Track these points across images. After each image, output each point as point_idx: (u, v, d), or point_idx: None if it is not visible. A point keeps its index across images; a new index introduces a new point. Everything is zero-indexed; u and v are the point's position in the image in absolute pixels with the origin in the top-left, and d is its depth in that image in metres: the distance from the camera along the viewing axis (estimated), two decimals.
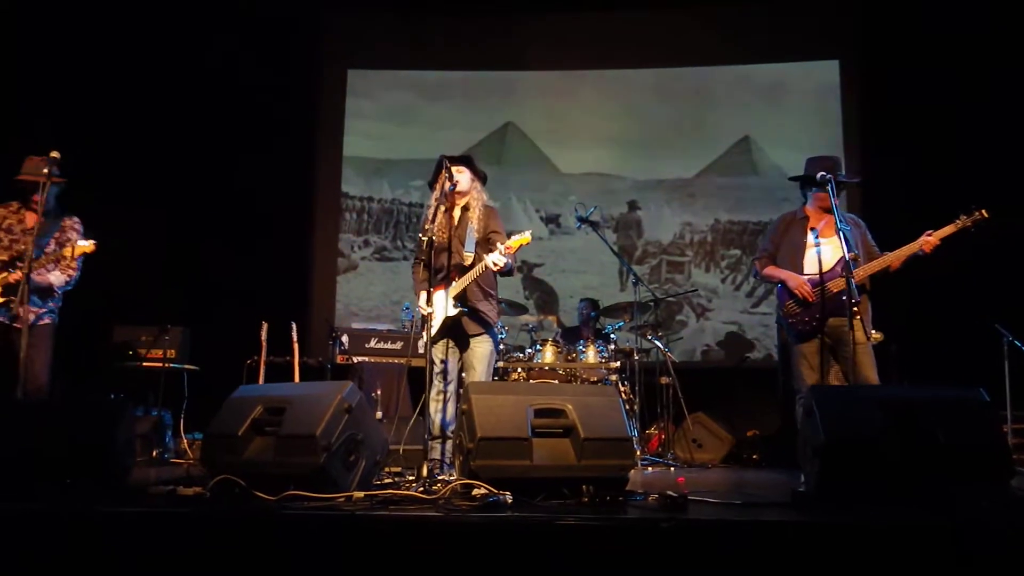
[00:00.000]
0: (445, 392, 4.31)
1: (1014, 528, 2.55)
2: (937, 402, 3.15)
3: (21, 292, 4.17)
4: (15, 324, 4.41)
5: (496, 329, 4.55)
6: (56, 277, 4.61)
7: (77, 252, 4.49)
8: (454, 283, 4.30)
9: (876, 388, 4.10)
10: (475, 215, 4.41)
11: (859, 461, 3.01)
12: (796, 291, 4.43)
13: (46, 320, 4.62)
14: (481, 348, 4.37)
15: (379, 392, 6.02)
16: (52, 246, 4.60)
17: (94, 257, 4.69)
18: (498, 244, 4.16)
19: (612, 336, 6.28)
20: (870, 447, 3.03)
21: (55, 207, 4.66)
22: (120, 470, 3.36)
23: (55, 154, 4.13)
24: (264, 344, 5.67)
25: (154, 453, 5.65)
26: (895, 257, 4.39)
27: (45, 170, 4.29)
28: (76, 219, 4.76)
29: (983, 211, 4.32)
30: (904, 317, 6.04)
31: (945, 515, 2.67)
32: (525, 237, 4.21)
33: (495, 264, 4.13)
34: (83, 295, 4.82)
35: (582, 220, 6.11)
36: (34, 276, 4.34)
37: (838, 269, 4.32)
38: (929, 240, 4.33)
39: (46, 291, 4.58)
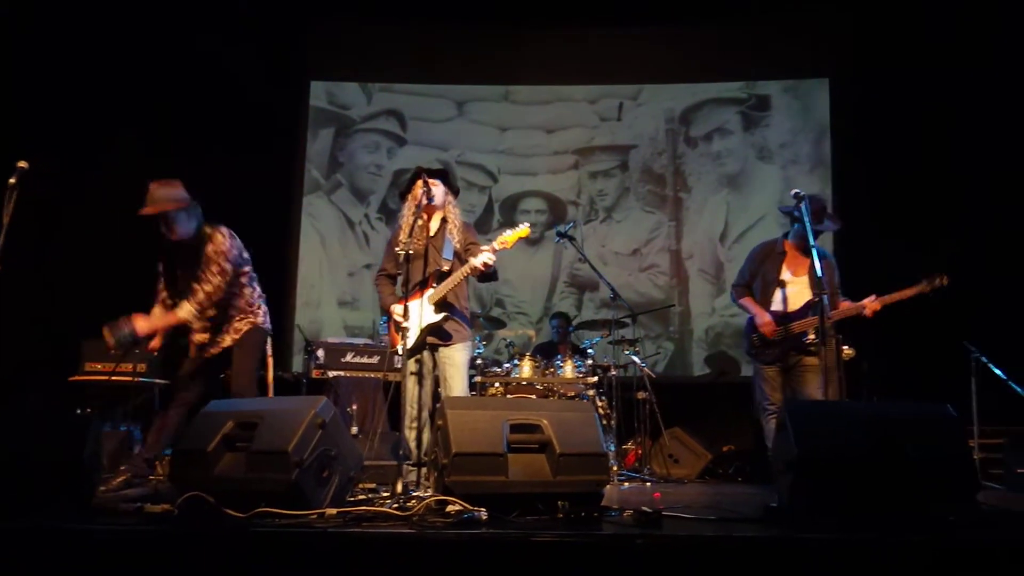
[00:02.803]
0: (419, 419, 4.27)
1: (980, 542, 2.58)
2: (906, 417, 3.19)
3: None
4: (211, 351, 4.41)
5: (472, 341, 4.54)
6: (184, 311, 4.32)
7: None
8: (432, 289, 4.29)
9: (847, 404, 4.19)
10: (455, 226, 4.43)
11: (830, 475, 3.03)
12: (761, 328, 4.73)
13: (241, 327, 4.46)
14: (460, 355, 4.35)
15: (355, 407, 5.97)
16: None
17: (63, 269, 4.62)
18: (486, 247, 4.17)
19: (590, 351, 6.29)
20: (841, 462, 3.05)
21: (199, 227, 4.38)
22: (86, 487, 3.30)
23: (23, 164, 4.03)
24: None
25: (122, 469, 5.55)
26: (842, 312, 4.65)
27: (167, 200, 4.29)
28: (218, 232, 4.40)
29: (944, 278, 4.61)
30: (875, 334, 6.10)
31: (913, 529, 2.69)
32: (523, 230, 4.20)
33: (486, 263, 4.12)
34: (50, 308, 4.74)
35: (561, 235, 6.13)
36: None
37: (804, 311, 4.63)
38: (872, 306, 4.61)
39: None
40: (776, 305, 4.76)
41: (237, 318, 4.46)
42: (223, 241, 4.38)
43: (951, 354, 5.79)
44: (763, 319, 4.72)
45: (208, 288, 4.31)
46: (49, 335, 6.22)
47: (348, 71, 8.38)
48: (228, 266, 4.36)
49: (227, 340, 4.43)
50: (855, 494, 3.01)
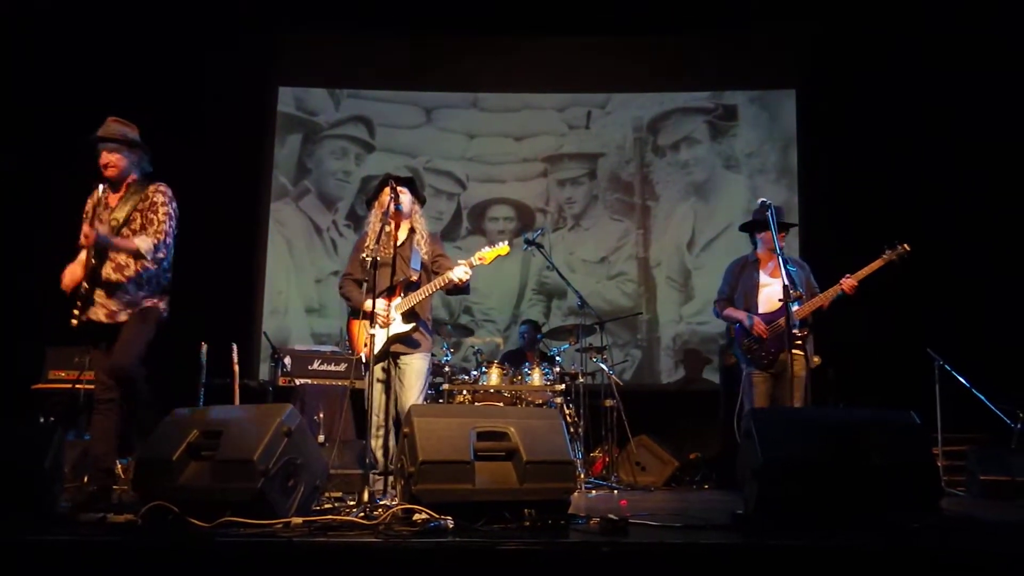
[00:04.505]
0: (385, 426, 4.25)
1: (943, 548, 2.62)
2: (871, 424, 3.23)
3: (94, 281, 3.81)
4: (108, 320, 3.89)
5: (430, 351, 4.52)
6: (143, 240, 3.87)
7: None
8: (400, 299, 4.28)
9: (812, 410, 4.23)
10: (422, 237, 4.43)
11: (796, 482, 3.06)
12: (752, 330, 4.86)
13: (145, 304, 3.95)
14: (420, 363, 4.35)
15: (321, 415, 5.92)
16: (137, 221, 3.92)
17: (28, 274, 4.47)
18: (463, 260, 4.17)
19: (558, 359, 6.31)
20: (806, 468, 3.09)
21: (140, 179, 4.04)
22: (47, 497, 3.24)
23: None
24: (204, 365, 5.54)
25: (84, 479, 5.45)
26: (824, 298, 4.81)
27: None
28: (163, 185, 4.05)
29: (905, 245, 4.76)
30: (841, 342, 6.20)
31: (878, 536, 2.73)
32: (502, 248, 4.21)
33: (461, 278, 4.12)
34: (12, 314, 4.63)
35: (529, 242, 6.14)
36: (117, 242, 3.79)
37: (786, 306, 4.70)
38: (848, 283, 4.74)
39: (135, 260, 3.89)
40: (761, 308, 4.92)
41: (147, 295, 3.97)
42: (168, 192, 4.04)
43: (915, 362, 5.88)
44: (753, 320, 4.88)
45: (162, 228, 3.90)
46: (8, 341, 6.10)
47: (316, 77, 8.33)
48: (174, 223, 3.99)
49: (123, 316, 3.91)
50: (820, 501, 3.05)
